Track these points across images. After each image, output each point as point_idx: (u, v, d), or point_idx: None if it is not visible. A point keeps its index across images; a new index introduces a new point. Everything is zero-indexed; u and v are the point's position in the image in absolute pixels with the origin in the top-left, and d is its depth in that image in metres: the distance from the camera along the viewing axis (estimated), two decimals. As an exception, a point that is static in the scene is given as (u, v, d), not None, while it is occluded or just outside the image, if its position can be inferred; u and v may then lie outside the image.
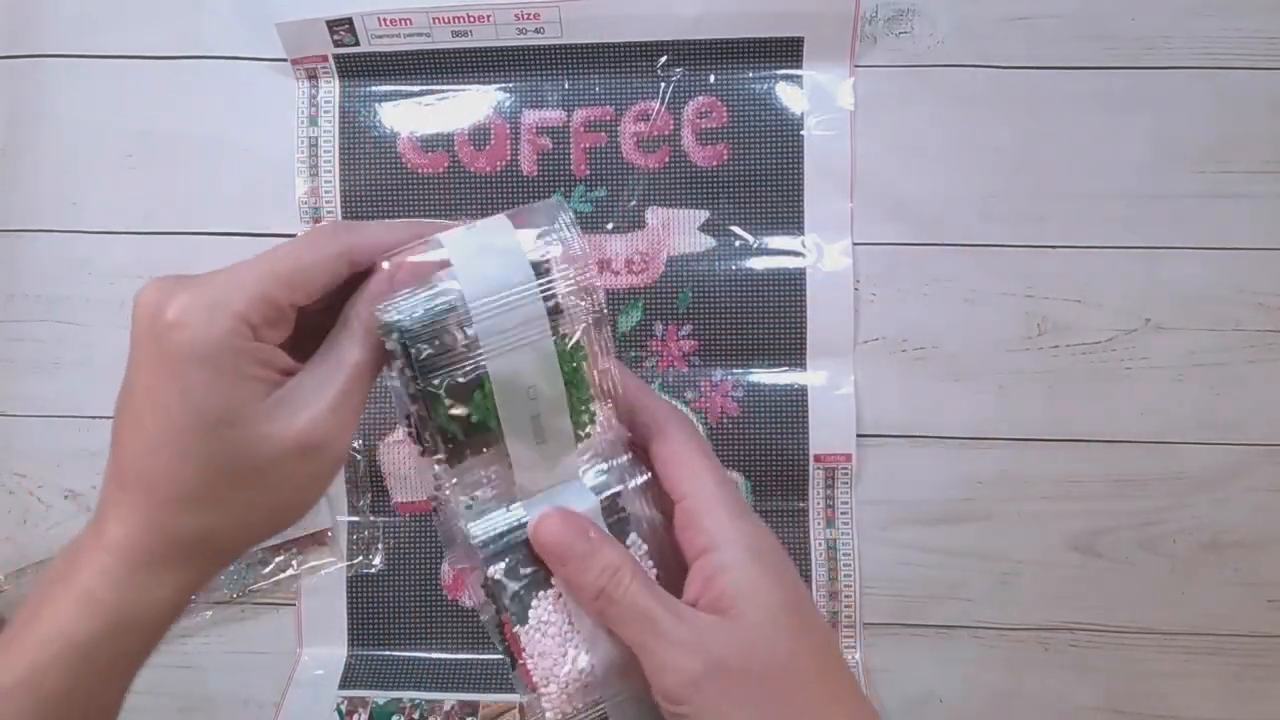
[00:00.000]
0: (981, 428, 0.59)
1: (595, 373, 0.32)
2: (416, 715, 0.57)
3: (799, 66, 0.58)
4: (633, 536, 0.33)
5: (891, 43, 0.59)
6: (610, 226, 0.59)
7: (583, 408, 0.33)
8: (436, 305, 0.30)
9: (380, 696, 0.58)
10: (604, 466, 0.34)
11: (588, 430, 0.33)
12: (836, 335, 0.58)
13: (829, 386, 0.58)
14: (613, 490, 0.33)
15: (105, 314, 0.60)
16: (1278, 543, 0.58)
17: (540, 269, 0.31)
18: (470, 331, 0.30)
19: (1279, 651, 0.58)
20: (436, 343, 0.30)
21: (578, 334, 0.31)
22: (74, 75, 0.61)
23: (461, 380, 0.30)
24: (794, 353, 0.59)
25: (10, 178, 0.61)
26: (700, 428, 0.58)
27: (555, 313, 0.31)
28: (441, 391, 0.30)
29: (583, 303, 0.31)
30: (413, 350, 0.30)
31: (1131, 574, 0.58)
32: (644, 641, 0.30)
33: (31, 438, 0.61)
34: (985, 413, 0.59)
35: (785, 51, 0.58)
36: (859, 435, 0.58)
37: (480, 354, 0.30)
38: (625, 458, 0.34)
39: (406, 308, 0.30)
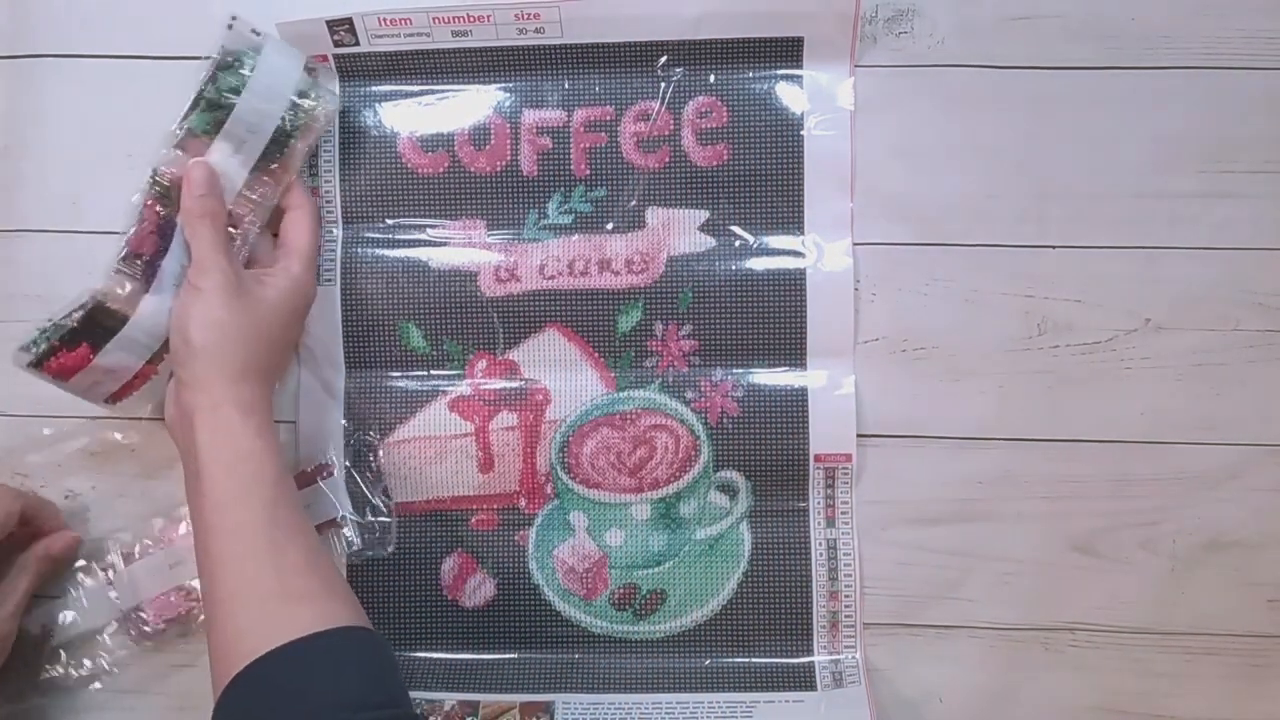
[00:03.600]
0: (981, 428, 0.59)
1: None
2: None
3: (799, 66, 0.58)
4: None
5: (891, 43, 0.59)
6: (610, 226, 0.59)
7: None
8: None
9: (380, 696, 0.58)
10: None
11: None
12: (837, 335, 0.58)
13: (829, 386, 0.58)
14: None
15: (105, 314, 0.60)
16: (1278, 543, 0.58)
17: None
18: None
19: (1279, 651, 0.58)
20: None
21: None
22: (74, 75, 0.60)
23: None
24: (794, 353, 0.59)
25: (10, 178, 0.61)
26: (701, 425, 0.58)
27: None
28: None
29: None
30: None
31: (1131, 574, 0.58)
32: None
33: (31, 438, 0.61)
34: (985, 413, 0.59)
35: (785, 51, 0.58)
36: (859, 435, 0.58)
37: None
38: None
39: None
